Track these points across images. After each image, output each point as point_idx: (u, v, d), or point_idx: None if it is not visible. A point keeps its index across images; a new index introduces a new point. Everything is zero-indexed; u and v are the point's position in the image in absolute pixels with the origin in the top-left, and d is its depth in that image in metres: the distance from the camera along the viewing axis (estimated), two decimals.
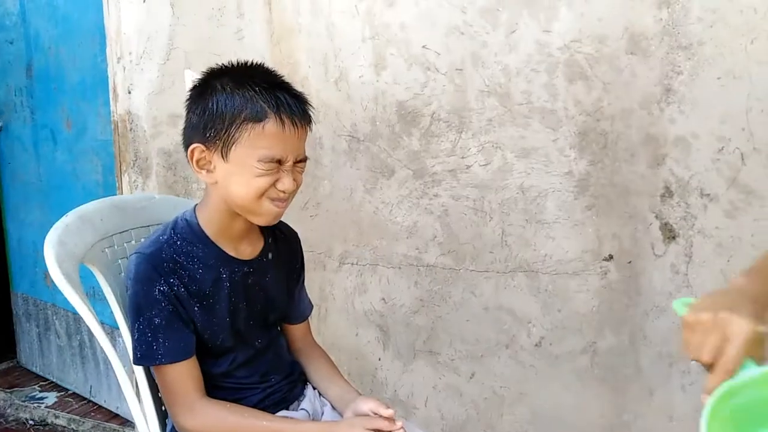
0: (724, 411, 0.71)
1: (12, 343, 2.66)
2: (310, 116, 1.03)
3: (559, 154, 1.49)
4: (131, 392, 1.03)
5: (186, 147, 1.03)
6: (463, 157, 1.59)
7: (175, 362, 0.99)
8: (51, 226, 1.04)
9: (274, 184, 0.98)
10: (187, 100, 1.05)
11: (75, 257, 1.03)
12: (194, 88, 1.04)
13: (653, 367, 1.45)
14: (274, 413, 1.08)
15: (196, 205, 1.09)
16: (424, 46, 1.59)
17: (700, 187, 1.36)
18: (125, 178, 2.03)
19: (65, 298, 2.49)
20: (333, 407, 1.16)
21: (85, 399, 2.36)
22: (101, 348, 2.39)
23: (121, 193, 2.01)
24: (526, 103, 1.50)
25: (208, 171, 1.01)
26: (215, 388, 1.06)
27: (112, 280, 1.11)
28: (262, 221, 1.04)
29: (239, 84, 0.98)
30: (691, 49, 1.33)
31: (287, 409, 1.13)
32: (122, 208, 1.22)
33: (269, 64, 1.07)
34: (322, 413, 1.17)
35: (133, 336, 1.00)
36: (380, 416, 1.04)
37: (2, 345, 2.69)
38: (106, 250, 1.13)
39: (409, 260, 1.70)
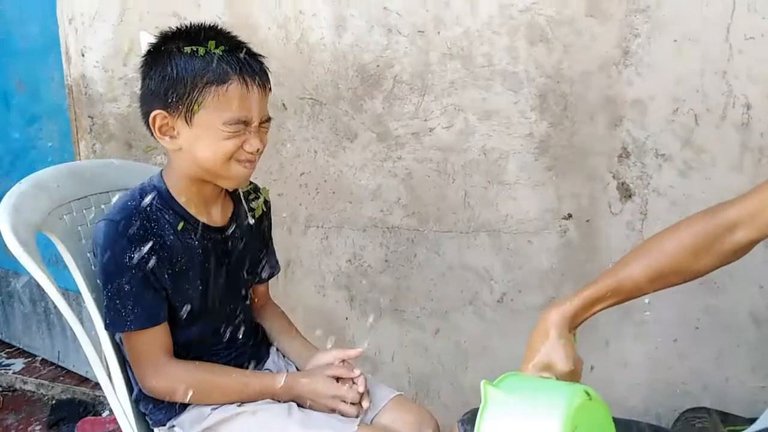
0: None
1: None
2: (269, 76, 1.02)
3: (520, 116, 1.51)
4: (96, 357, 1.04)
5: (145, 114, 1.01)
6: (425, 120, 1.60)
7: (143, 329, 0.99)
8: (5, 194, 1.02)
9: (241, 146, 0.98)
10: (143, 65, 1.02)
11: (31, 225, 1.01)
12: (149, 53, 1.01)
13: (608, 320, 1.51)
14: None
15: (162, 170, 1.08)
16: (385, 8, 1.57)
17: (656, 147, 1.41)
18: (82, 144, 1.98)
19: None
20: (295, 366, 1.19)
21: (53, 364, 2.35)
22: None
23: (80, 159, 1.97)
24: (487, 65, 1.51)
25: (171, 137, 0.99)
26: (183, 353, 1.06)
27: (73, 247, 1.09)
28: (232, 184, 1.04)
29: (198, 47, 0.96)
30: (649, 12, 1.35)
31: (252, 369, 1.15)
32: (79, 174, 1.19)
33: (226, 26, 1.05)
34: (287, 371, 1.19)
35: (103, 302, 1.00)
36: (341, 364, 1.08)
37: None
38: (65, 216, 1.11)
39: (374, 222, 1.71)
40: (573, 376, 0.83)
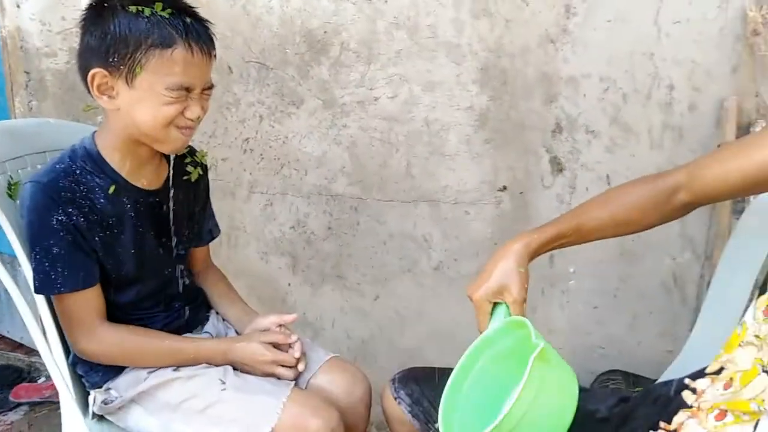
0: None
1: None
2: (214, 43, 1.02)
3: (462, 88, 1.55)
4: (32, 320, 1.04)
5: (84, 71, 0.98)
6: (371, 89, 1.62)
7: (75, 291, 0.99)
8: None
9: (181, 112, 0.97)
10: (83, 19, 0.99)
11: None
12: (91, 6, 0.98)
13: (535, 287, 1.60)
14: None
15: (95, 131, 1.06)
16: None
17: (586, 124, 1.48)
18: (17, 100, 1.91)
19: None
20: (235, 330, 1.21)
21: None
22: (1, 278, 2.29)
23: (14, 117, 1.90)
24: (432, 36, 1.54)
25: (110, 97, 0.97)
26: (118, 317, 1.07)
27: (7, 208, 1.08)
28: (168, 149, 1.04)
29: (143, 6, 0.94)
30: None
31: (191, 333, 1.17)
32: (14, 133, 1.17)
33: None
34: (226, 335, 1.22)
35: (31, 265, 0.99)
36: (278, 329, 1.12)
37: None
38: None
39: (318, 189, 1.74)
40: (521, 306, 0.88)
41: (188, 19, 0.96)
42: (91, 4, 0.99)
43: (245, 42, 1.69)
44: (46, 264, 0.97)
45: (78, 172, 1.00)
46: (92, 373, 1.08)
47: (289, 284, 1.85)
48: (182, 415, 1.04)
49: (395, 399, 1.07)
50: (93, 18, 0.97)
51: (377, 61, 1.60)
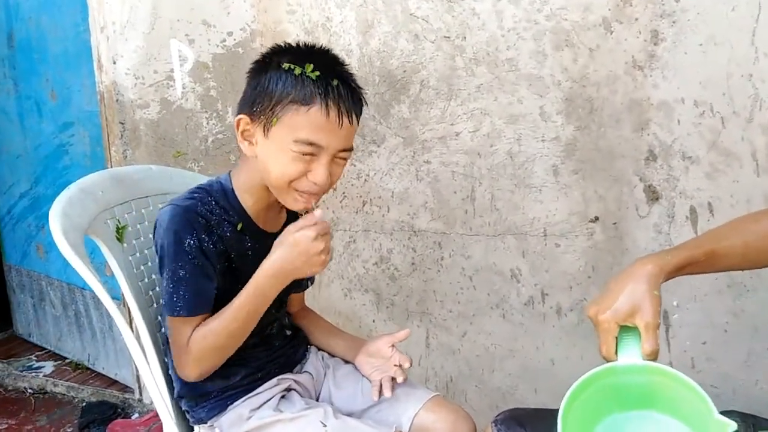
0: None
1: (8, 314, 2.67)
2: (360, 111, 1.04)
3: (546, 119, 1.52)
4: (141, 357, 1.07)
5: (235, 115, 1.04)
6: (452, 124, 1.62)
7: (191, 316, 1.00)
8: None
9: (306, 174, 0.99)
10: (249, 72, 1.05)
11: (79, 229, 1.05)
12: (256, 62, 1.05)
13: None
14: (278, 376, 1.13)
15: (231, 171, 1.10)
16: (411, 14, 1.60)
17: (682, 150, 1.42)
18: (113, 150, 2.02)
19: (58, 269, 2.49)
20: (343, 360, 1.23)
21: (82, 368, 2.40)
22: (97, 317, 2.41)
23: (110, 165, 2.01)
24: (513, 69, 1.53)
25: (250, 143, 1.02)
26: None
27: (116, 250, 1.13)
28: (288, 207, 1.05)
29: (296, 65, 0.98)
30: (674, 17, 1.37)
31: (291, 372, 1.17)
32: (121, 179, 1.23)
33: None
34: (325, 375, 1.22)
35: (162, 284, 1.01)
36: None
37: None
38: (108, 221, 1.15)
39: (401, 225, 1.74)
40: (655, 332, 0.82)
41: (335, 82, 0.98)
42: (257, 60, 1.05)
43: None
44: (171, 286, 0.99)
45: (213, 203, 1.04)
46: (198, 409, 1.09)
47: (374, 321, 1.84)
48: None
49: None
50: (255, 71, 1.03)
51: (458, 96, 1.60)
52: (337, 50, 1.69)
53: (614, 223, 1.51)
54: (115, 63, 1.96)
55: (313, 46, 1.04)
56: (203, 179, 1.30)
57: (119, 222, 1.18)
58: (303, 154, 0.97)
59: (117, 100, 1.98)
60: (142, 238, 1.21)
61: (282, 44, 1.04)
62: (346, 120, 0.98)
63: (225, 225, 1.04)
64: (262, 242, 1.08)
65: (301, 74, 0.97)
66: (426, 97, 1.63)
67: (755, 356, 1.41)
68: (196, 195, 1.04)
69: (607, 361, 0.85)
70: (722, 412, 1.42)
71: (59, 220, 1.00)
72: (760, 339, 1.40)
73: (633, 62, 1.42)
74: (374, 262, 1.79)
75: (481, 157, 1.61)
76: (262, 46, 1.77)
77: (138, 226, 1.21)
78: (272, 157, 0.99)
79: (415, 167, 1.69)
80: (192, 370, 1.02)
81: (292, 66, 0.98)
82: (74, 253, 0.98)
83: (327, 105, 0.96)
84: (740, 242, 0.86)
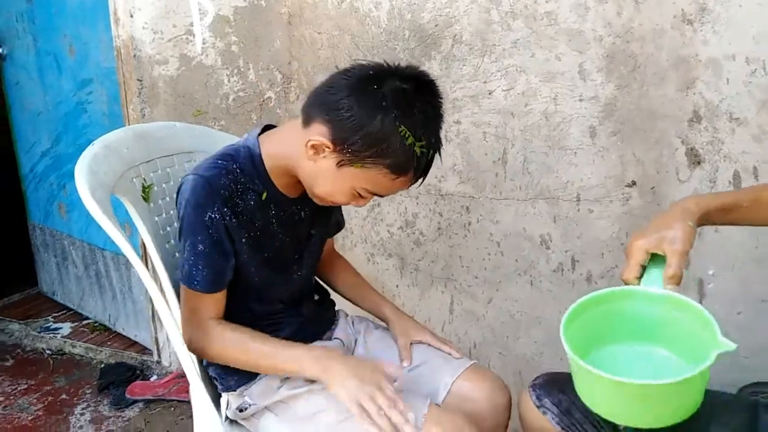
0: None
1: (33, 272, 2.67)
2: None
3: (585, 78, 1.45)
4: (172, 323, 1.04)
5: (311, 119, 0.94)
6: (485, 82, 1.55)
7: (207, 292, 0.99)
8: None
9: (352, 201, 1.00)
10: (349, 76, 0.93)
11: (106, 187, 1.01)
12: (361, 80, 0.92)
13: None
14: (310, 343, 1.10)
15: (260, 134, 1.04)
16: None
17: (730, 110, 1.34)
18: (131, 108, 1.97)
19: (80, 229, 2.46)
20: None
21: (100, 329, 2.40)
22: (117, 278, 2.38)
23: (128, 124, 1.96)
24: (552, 24, 1.45)
25: (315, 154, 0.95)
26: (248, 317, 1.05)
27: (143, 211, 1.09)
28: (312, 199, 1.03)
29: (412, 137, 0.90)
30: None
31: (321, 339, 1.15)
32: (145, 137, 1.19)
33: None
34: (356, 341, 1.19)
35: (182, 253, 0.99)
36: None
37: (23, 274, 2.70)
38: (134, 180, 1.11)
39: (427, 189, 1.69)
40: (683, 258, 0.82)
41: (432, 154, 0.96)
42: (362, 76, 0.93)
43: (353, 40, 1.67)
44: (191, 259, 0.97)
45: (238, 172, 0.99)
46: (227, 377, 1.08)
47: (397, 286, 1.80)
48: (314, 427, 1.01)
49: (538, 408, 1.00)
50: (359, 93, 0.91)
51: (492, 52, 1.53)
52: (366, 3, 1.63)
53: (652, 188, 1.45)
54: (132, 16, 1.89)
55: (417, 81, 0.93)
56: (229, 139, 1.25)
57: (145, 181, 1.14)
58: (361, 196, 0.97)
59: (134, 56, 1.92)
60: (168, 198, 1.17)
61: (389, 66, 0.93)
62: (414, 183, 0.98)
63: (249, 194, 1.00)
64: (285, 209, 1.05)
65: (410, 145, 0.91)
66: (458, 53, 1.56)
67: None
68: (220, 163, 0.99)
69: (626, 285, 0.86)
70: (752, 384, 1.39)
71: (86, 177, 0.96)
72: None
73: (682, 16, 1.34)
74: (399, 227, 1.75)
75: (515, 117, 1.54)
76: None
77: (164, 185, 1.17)
78: (330, 181, 0.96)
79: (445, 127, 1.60)
80: (200, 351, 1.02)
81: (408, 135, 0.90)
82: (102, 212, 0.94)
83: (414, 178, 0.96)
84: None
